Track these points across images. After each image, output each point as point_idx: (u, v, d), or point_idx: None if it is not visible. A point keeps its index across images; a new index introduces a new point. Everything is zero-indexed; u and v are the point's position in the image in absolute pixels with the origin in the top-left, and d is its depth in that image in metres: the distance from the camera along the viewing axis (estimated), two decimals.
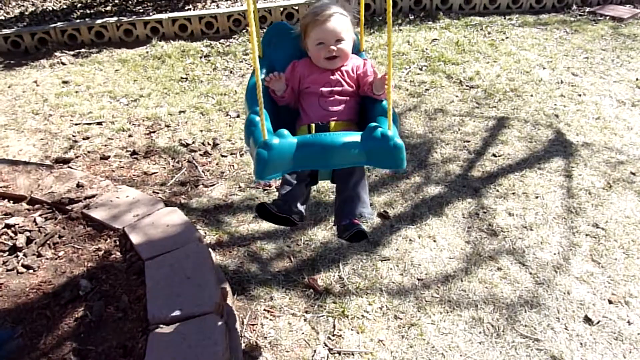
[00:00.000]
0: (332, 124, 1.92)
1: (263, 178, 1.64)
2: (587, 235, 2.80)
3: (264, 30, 2.31)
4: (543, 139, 3.69)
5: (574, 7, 6.38)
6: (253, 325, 2.31)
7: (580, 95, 4.29)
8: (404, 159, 1.69)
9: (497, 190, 3.17)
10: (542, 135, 3.74)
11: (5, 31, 5.78)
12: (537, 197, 3.10)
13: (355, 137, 1.66)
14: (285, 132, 1.66)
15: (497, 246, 2.74)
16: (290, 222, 1.87)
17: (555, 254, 2.69)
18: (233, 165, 3.49)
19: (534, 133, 3.77)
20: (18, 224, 2.65)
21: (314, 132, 1.88)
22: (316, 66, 2.02)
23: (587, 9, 6.32)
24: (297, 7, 5.97)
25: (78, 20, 5.98)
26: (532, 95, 4.30)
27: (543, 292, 2.46)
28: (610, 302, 2.39)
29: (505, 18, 6.07)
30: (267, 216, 1.86)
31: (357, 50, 2.13)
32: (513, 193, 3.14)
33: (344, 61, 2.01)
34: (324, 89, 1.97)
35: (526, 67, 4.80)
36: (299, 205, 1.87)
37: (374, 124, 1.70)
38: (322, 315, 2.34)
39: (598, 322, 2.29)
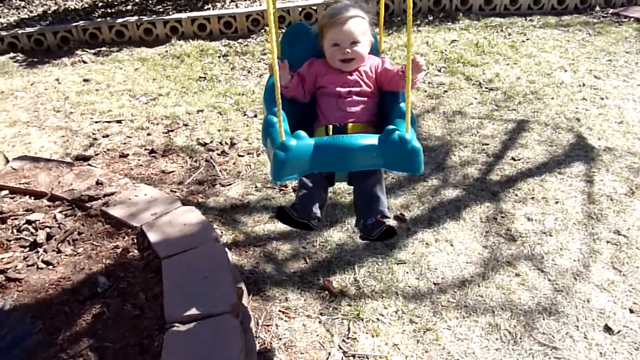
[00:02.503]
0: (350, 125, 1.90)
1: (280, 179, 1.63)
2: (608, 242, 2.75)
3: (283, 30, 2.31)
4: (564, 143, 3.63)
5: (597, 8, 6.27)
6: (268, 326, 2.31)
7: (602, 98, 4.21)
8: (422, 163, 1.66)
9: (516, 195, 3.13)
10: (563, 139, 3.68)
11: (29, 29, 5.88)
12: (557, 202, 3.05)
13: (372, 139, 1.64)
14: (303, 134, 1.64)
15: (516, 251, 2.70)
16: (309, 227, 1.85)
17: (575, 260, 2.64)
18: (250, 165, 3.50)
19: (555, 137, 3.71)
20: (39, 220, 2.69)
21: (331, 133, 1.87)
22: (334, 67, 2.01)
23: (611, 11, 6.21)
24: (315, 7, 5.97)
25: (99, 19, 6.06)
26: (553, 98, 4.23)
27: (562, 299, 2.42)
28: (631, 311, 2.34)
29: (526, 19, 5.99)
30: (287, 220, 1.84)
31: (375, 51, 2.10)
32: (532, 198, 3.09)
33: (359, 63, 1.99)
34: (342, 89, 1.95)
35: (547, 70, 4.73)
36: (316, 209, 1.85)
37: (391, 126, 1.67)
38: (337, 318, 2.34)
39: (618, 332, 2.24)
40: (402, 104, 1.87)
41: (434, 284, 2.52)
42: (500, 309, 2.37)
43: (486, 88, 4.43)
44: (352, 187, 1.98)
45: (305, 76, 2.01)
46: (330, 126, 1.91)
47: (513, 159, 3.48)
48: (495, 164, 3.43)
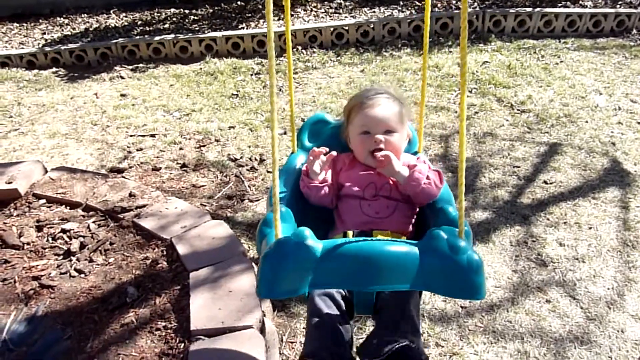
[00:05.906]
0: (376, 234, 1.49)
1: (271, 294, 1.24)
2: None
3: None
4: (598, 168, 3.55)
5: (634, 31, 6.15)
6: (292, 342, 2.31)
7: (639, 123, 4.11)
8: (483, 284, 1.23)
9: (548, 219, 3.06)
10: (597, 163, 3.60)
11: (71, 46, 6.13)
12: (590, 228, 2.97)
13: (407, 247, 1.24)
14: (307, 231, 1.24)
15: (546, 277, 2.64)
16: None
17: (608, 288, 2.56)
18: None
19: (589, 161, 3.63)
20: (73, 230, 2.77)
21: None
22: (359, 162, 1.68)
23: None
24: (347, 28, 6.05)
25: (138, 37, 6.27)
26: (587, 122, 4.15)
27: (595, 328, 2.34)
28: None
29: (560, 41, 5.92)
30: None
31: (413, 152, 1.83)
32: (564, 222, 3.02)
33: None
34: (367, 191, 1.60)
35: (581, 93, 4.65)
36: (349, 351, 1.44)
37: (437, 230, 1.26)
38: (362, 338, 2.32)
39: None
40: (450, 208, 1.49)
41: (462, 307, 2.47)
42: (529, 335, 2.31)
43: (518, 110, 4.38)
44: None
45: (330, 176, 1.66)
46: (350, 232, 1.51)
47: (545, 182, 3.41)
48: (527, 187, 3.37)
